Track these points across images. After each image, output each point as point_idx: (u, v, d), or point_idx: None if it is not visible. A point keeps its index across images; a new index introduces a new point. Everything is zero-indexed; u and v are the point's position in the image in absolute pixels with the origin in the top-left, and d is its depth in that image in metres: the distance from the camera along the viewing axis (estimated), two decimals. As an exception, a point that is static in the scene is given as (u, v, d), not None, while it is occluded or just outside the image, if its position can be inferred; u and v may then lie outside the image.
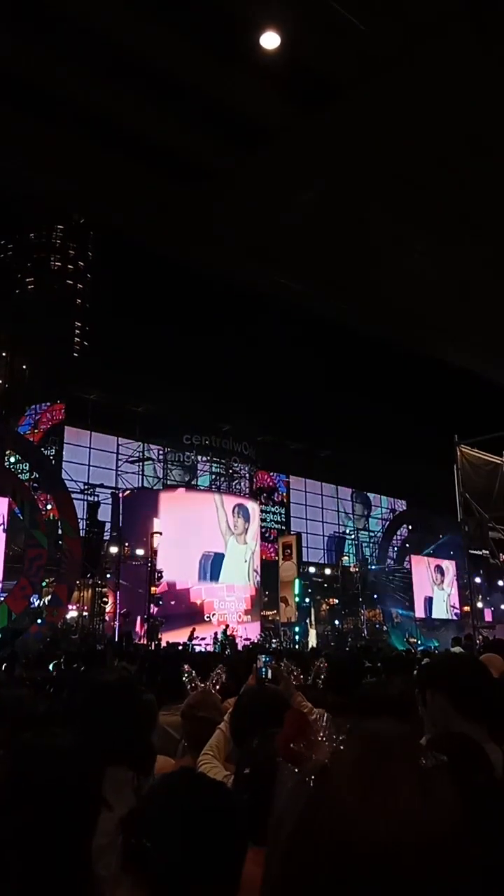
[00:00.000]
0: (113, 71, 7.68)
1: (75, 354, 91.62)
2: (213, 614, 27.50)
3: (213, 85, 7.86)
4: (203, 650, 19.91)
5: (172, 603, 26.11)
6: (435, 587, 33.66)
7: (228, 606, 28.33)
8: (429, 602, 33.20)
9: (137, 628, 23.93)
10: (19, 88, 7.96)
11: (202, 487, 32.46)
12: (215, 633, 24.42)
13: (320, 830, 0.69)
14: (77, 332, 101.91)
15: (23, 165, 9.68)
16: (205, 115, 8.18)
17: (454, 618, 33.30)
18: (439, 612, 33.59)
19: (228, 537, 29.09)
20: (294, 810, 0.75)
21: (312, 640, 27.31)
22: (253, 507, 30.60)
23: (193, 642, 22.12)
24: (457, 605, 33.89)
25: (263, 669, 3.23)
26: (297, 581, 31.17)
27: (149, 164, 8.95)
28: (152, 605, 23.64)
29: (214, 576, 28.39)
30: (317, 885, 0.67)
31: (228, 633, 24.20)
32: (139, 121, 8.33)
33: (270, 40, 7.14)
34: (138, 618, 24.14)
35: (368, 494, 44.63)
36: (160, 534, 25.57)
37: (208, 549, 28.30)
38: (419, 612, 32.79)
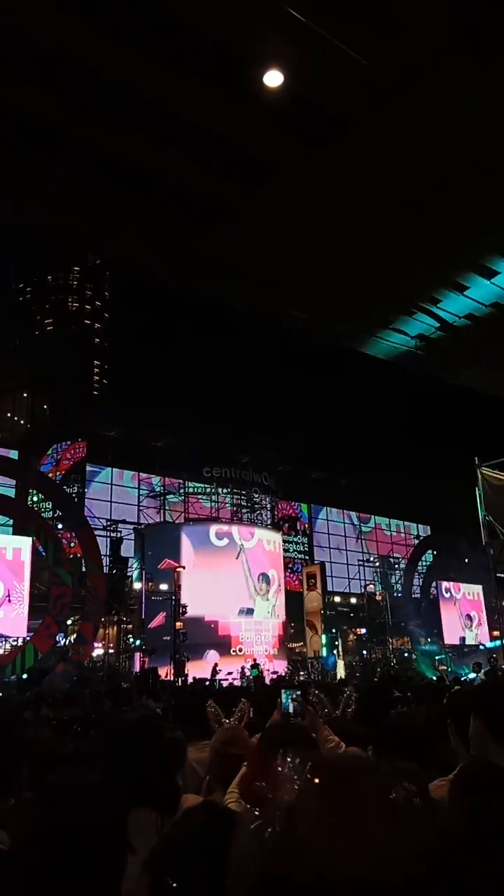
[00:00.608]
0: (121, 112, 7.89)
1: (95, 392, 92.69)
2: (241, 648, 27.22)
3: (220, 123, 8.04)
4: (231, 684, 19.67)
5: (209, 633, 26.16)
6: (467, 630, 33.63)
7: (256, 639, 28.07)
8: (462, 640, 33.13)
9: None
10: (31, 133, 8.20)
11: (224, 521, 32.38)
12: (242, 668, 24.15)
13: (290, 871, 0.66)
14: (96, 370, 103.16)
15: (38, 208, 9.92)
16: (212, 152, 8.36)
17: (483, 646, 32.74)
18: (469, 641, 33.34)
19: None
20: (258, 852, 0.72)
21: (341, 671, 26.87)
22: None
23: (219, 677, 21.88)
24: (486, 639, 33.49)
25: (287, 704, 3.17)
26: (323, 612, 30.84)
27: (159, 202, 9.14)
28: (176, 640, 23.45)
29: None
30: None
31: (246, 668, 23.91)
32: (148, 160, 8.53)
33: (274, 78, 7.31)
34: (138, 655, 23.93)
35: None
36: (183, 568, 25.49)
37: (233, 588, 28.30)
38: (448, 640, 32.34)
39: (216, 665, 23.50)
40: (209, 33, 6.99)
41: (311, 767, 0.76)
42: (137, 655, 24.11)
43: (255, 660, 25.47)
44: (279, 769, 0.78)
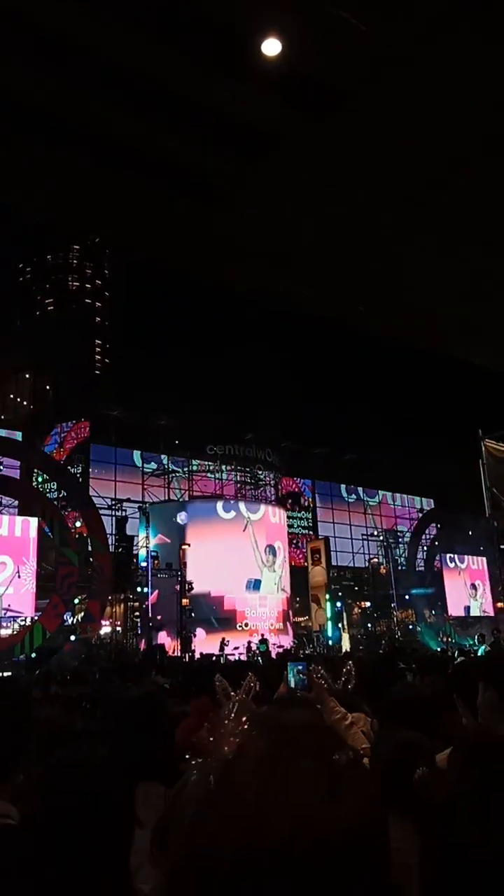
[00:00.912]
0: (117, 90, 7.76)
1: (97, 372, 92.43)
2: (246, 623, 27.46)
3: (217, 96, 7.90)
4: (238, 659, 19.87)
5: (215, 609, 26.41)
6: (471, 599, 33.91)
7: (261, 614, 28.31)
8: (466, 609, 33.39)
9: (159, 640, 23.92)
10: (26, 114, 8.08)
11: (228, 497, 32.49)
12: (249, 643, 24.37)
13: (218, 827, 0.65)
14: (98, 350, 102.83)
15: (35, 188, 9.82)
16: (210, 127, 8.22)
17: (488, 615, 33.01)
18: (474, 611, 33.65)
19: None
20: (195, 804, 0.71)
21: (346, 644, 27.12)
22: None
23: (226, 652, 22.11)
24: (490, 608, 33.73)
25: (293, 677, 3.19)
26: (328, 586, 31.04)
27: (157, 180, 9.02)
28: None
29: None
30: (212, 884, 0.63)
31: (265, 642, 24.13)
32: (144, 137, 8.40)
33: (272, 47, 7.17)
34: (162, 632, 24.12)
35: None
36: (189, 545, 25.63)
37: (241, 561, 28.44)
38: (452, 611, 32.59)
39: (224, 639, 23.73)
40: (203, 2, 6.85)
41: (256, 723, 0.74)
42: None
43: (262, 635, 25.71)
44: (224, 722, 0.76)
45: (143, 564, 26.00)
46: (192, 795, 0.74)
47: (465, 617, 33.11)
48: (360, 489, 44.33)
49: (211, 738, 0.75)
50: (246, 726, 0.74)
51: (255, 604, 28.38)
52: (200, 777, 0.72)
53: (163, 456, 35.27)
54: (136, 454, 35.60)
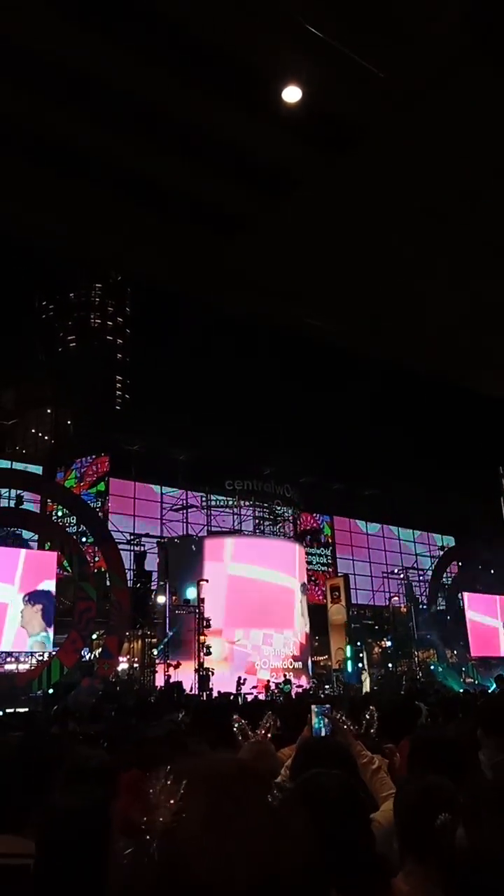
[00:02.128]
0: (142, 128, 8.00)
1: (117, 407, 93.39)
2: (264, 662, 27.04)
3: (241, 140, 8.11)
4: (256, 698, 19.56)
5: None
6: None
7: (274, 652, 27.86)
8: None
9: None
10: (53, 150, 8.32)
11: (247, 533, 32.36)
12: (267, 682, 24.03)
13: (178, 891, 0.65)
14: (118, 385, 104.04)
15: (58, 224, 10.05)
16: (233, 167, 8.42)
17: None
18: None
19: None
20: (140, 879, 0.70)
21: (367, 685, 26.61)
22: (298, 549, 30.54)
23: (244, 690, 21.79)
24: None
25: (319, 726, 3.16)
26: (347, 627, 30.59)
27: (180, 217, 9.21)
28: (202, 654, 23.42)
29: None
30: None
31: (289, 682, 23.75)
32: (168, 175, 8.62)
33: (292, 94, 7.36)
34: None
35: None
36: (206, 581, 25.49)
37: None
38: (475, 652, 31.92)
39: (241, 677, 23.42)
40: (227, 51, 7.07)
41: (188, 779, 0.73)
42: (161, 668, 24.09)
43: (285, 674, 25.31)
44: (151, 791, 0.74)
45: (161, 600, 25.86)
46: (130, 870, 0.73)
47: (487, 657, 32.40)
48: (379, 525, 43.95)
49: (144, 816, 0.73)
50: (177, 786, 0.73)
51: (268, 641, 27.94)
52: (134, 852, 0.72)
53: (181, 490, 35.32)
54: (156, 489, 35.68)
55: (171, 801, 0.71)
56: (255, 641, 27.40)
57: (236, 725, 3.54)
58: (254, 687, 22.91)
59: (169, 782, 0.74)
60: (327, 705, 3.36)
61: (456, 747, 2.71)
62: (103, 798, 1.70)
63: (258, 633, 27.58)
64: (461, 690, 23.00)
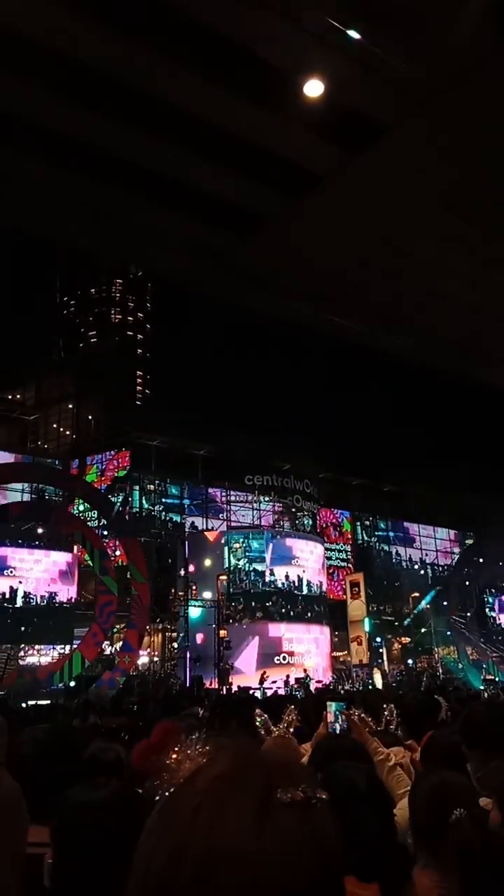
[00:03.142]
0: (163, 127, 8.02)
1: (138, 403, 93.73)
2: (291, 655, 26.99)
3: (263, 136, 8.11)
4: (276, 693, 19.60)
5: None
6: None
7: (307, 646, 27.87)
8: None
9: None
10: (75, 149, 8.37)
11: (266, 528, 32.40)
12: (287, 677, 24.05)
13: (156, 844, 0.67)
14: (139, 380, 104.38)
15: (83, 223, 10.11)
16: (255, 164, 8.43)
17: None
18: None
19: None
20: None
21: (378, 681, 26.54)
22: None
23: (265, 685, 21.84)
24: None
25: (335, 719, 3.18)
26: (366, 620, 30.50)
27: (202, 215, 9.24)
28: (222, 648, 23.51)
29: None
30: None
31: (292, 676, 23.78)
32: (190, 173, 8.64)
33: (315, 88, 7.35)
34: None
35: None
36: (226, 576, 25.57)
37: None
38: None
39: (264, 673, 23.46)
40: (248, 45, 7.07)
41: (210, 751, 0.75)
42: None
43: (304, 669, 25.32)
44: (181, 746, 0.77)
45: (182, 594, 26.01)
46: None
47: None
48: (400, 521, 43.73)
49: (174, 758, 0.76)
50: (205, 755, 0.75)
51: (301, 633, 27.93)
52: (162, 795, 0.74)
53: (201, 486, 35.43)
54: (176, 484, 35.82)
55: (194, 761, 0.74)
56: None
57: (259, 720, 3.57)
58: (273, 682, 22.93)
59: (196, 744, 0.78)
60: (344, 702, 3.37)
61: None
62: (119, 791, 1.71)
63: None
64: (481, 687, 22.84)
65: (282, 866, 0.64)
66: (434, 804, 2.05)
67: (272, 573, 28.59)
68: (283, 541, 30.14)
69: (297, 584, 29.10)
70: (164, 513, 34.38)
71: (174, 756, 0.76)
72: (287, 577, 28.96)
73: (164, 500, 34.70)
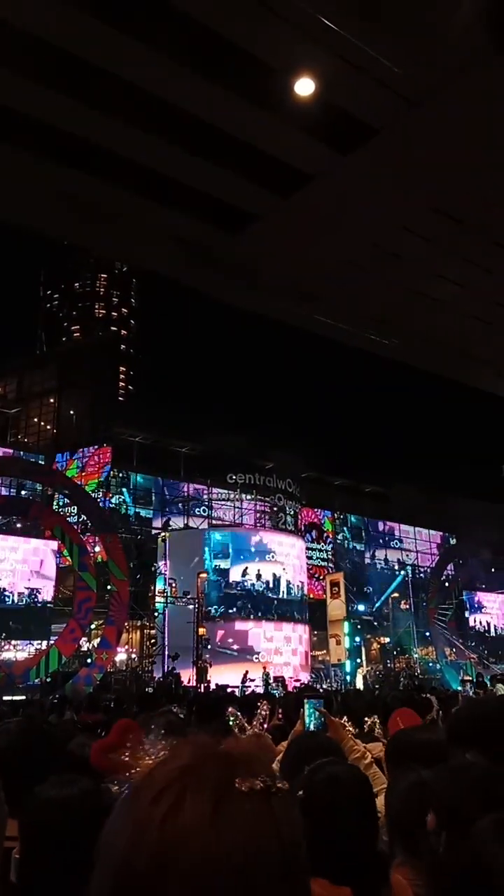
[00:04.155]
0: (150, 121, 7.96)
1: (120, 398, 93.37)
2: (259, 654, 27.05)
3: (250, 132, 8.08)
4: (253, 692, 19.61)
5: (230, 641, 26.09)
6: None
7: (281, 645, 27.92)
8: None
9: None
10: (57, 141, 8.28)
11: (248, 526, 32.39)
12: (267, 675, 24.08)
13: (116, 833, 0.67)
14: (122, 376, 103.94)
15: (66, 217, 10.02)
16: (244, 161, 8.39)
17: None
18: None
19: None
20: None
21: (359, 682, 26.66)
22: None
23: (245, 685, 21.84)
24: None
25: (310, 722, 3.15)
26: (346, 623, 30.61)
27: (191, 211, 9.18)
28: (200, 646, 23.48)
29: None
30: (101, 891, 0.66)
31: (271, 674, 23.78)
32: (179, 169, 8.58)
33: (305, 87, 7.33)
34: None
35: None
36: (206, 573, 25.54)
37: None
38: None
39: (247, 672, 23.46)
40: (240, 43, 7.03)
41: (170, 746, 0.75)
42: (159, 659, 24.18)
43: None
44: (140, 743, 0.77)
45: (161, 591, 25.93)
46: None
47: (487, 656, 32.46)
48: (381, 522, 43.92)
49: (133, 756, 0.76)
50: (165, 750, 0.75)
51: (277, 633, 27.98)
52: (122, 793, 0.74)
53: (183, 483, 35.36)
54: (157, 480, 35.70)
55: (153, 757, 0.74)
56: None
57: (231, 719, 3.53)
58: (252, 680, 22.95)
59: (156, 738, 0.78)
60: (321, 700, 3.35)
61: (440, 746, 2.70)
62: (90, 789, 1.69)
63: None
64: (458, 688, 23.02)
65: (238, 853, 0.64)
66: (411, 802, 2.05)
67: (245, 572, 28.57)
68: (255, 536, 30.15)
69: (272, 583, 29.10)
70: (144, 509, 34.24)
71: (133, 753, 0.76)
72: (259, 575, 28.83)
73: (134, 491, 34.54)
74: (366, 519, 42.36)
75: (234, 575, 28.33)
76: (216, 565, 28.17)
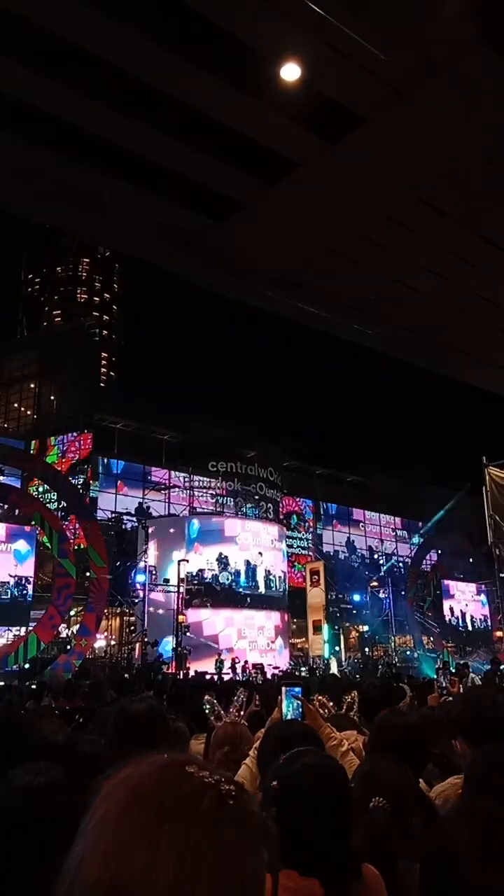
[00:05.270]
0: (135, 106, 7.87)
1: (102, 385, 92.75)
2: (236, 642, 27.02)
3: (238, 119, 8.01)
4: (231, 679, 19.69)
5: (205, 629, 26.13)
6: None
7: (257, 633, 27.97)
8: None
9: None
10: (47, 126, 8.17)
11: (229, 514, 32.41)
12: (245, 662, 24.18)
13: (71, 862, 0.69)
14: (104, 362, 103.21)
15: (49, 200, 9.90)
16: (230, 147, 8.32)
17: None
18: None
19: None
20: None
21: (333, 668, 26.88)
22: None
23: (223, 672, 21.93)
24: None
25: (289, 704, 3.15)
26: (326, 608, 30.83)
27: (176, 198, 9.11)
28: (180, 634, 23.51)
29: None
30: None
31: (249, 662, 23.86)
32: (165, 155, 8.51)
33: (291, 72, 7.27)
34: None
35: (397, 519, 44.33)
36: (187, 561, 25.54)
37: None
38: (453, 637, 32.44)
39: (219, 656, 23.55)
40: (226, 27, 6.96)
41: (144, 767, 0.73)
42: (138, 646, 24.18)
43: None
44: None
45: (141, 579, 25.90)
46: None
47: (463, 646, 32.85)
48: (362, 511, 44.20)
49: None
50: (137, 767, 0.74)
51: (248, 621, 28.00)
52: None
53: (164, 470, 35.28)
54: (138, 467, 35.59)
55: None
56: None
57: (207, 707, 3.49)
58: (230, 667, 23.05)
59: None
60: (298, 688, 3.34)
61: (419, 731, 2.74)
62: (61, 778, 1.66)
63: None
64: (434, 676, 23.25)
65: (201, 887, 0.64)
66: (358, 792, 2.06)
67: (224, 559, 28.49)
68: (235, 523, 30.10)
69: (249, 571, 29.10)
70: (124, 496, 34.14)
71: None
72: (224, 561, 28.57)
73: (116, 478, 34.43)
74: (347, 509, 42.64)
75: (213, 563, 28.32)
76: (197, 552, 28.10)
